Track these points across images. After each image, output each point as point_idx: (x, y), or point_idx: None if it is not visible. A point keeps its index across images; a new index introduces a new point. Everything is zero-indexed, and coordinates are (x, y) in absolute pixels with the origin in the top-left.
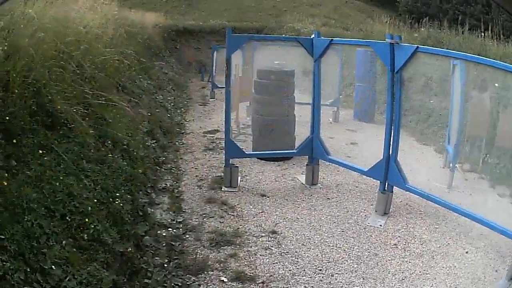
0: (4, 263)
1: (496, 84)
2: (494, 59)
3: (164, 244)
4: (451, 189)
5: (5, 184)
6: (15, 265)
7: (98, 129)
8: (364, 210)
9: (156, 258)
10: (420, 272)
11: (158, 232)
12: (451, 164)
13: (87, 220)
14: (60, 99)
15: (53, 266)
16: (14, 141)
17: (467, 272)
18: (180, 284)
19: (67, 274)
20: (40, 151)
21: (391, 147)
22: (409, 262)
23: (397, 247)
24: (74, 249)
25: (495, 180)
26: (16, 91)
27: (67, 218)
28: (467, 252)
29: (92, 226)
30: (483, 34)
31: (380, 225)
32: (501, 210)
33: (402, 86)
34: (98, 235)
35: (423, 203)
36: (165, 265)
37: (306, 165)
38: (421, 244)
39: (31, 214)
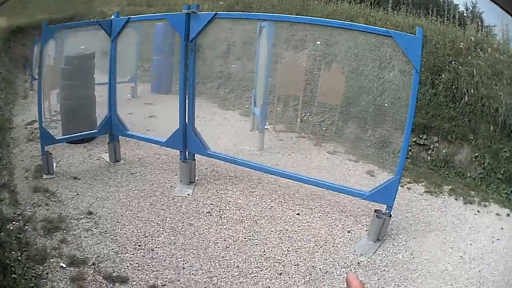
0: None
1: (318, 42)
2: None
3: (14, 238)
4: (264, 151)
5: None
6: None
7: None
8: (169, 181)
9: (13, 252)
10: (244, 238)
11: (8, 226)
12: (260, 126)
13: None
14: None
15: None
16: None
17: (306, 235)
18: (34, 274)
19: None
20: None
21: (186, 115)
22: (229, 229)
23: (211, 214)
24: None
25: (320, 138)
26: None
27: None
28: (298, 214)
29: None
30: None
31: (188, 194)
32: (335, 168)
33: (196, 54)
34: None
35: (232, 168)
36: (19, 258)
37: (108, 143)
38: (238, 209)
39: None
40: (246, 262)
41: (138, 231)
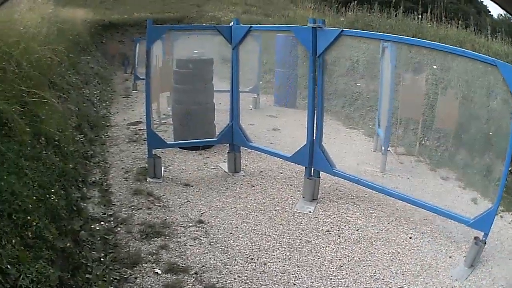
0: None
1: (435, 66)
2: (433, 41)
3: (98, 238)
4: (385, 173)
5: None
6: None
7: (33, 126)
8: (291, 196)
9: (93, 252)
10: (359, 258)
11: (92, 226)
12: (383, 148)
13: (29, 217)
14: (1, 99)
15: (8, 266)
16: None
17: (414, 258)
18: (118, 277)
19: (20, 272)
20: None
21: (315, 132)
22: (346, 248)
23: (330, 233)
24: (22, 247)
25: (435, 163)
26: None
27: (13, 216)
28: (410, 238)
29: (35, 224)
30: (420, 16)
31: (310, 211)
32: (446, 194)
33: (324, 70)
34: (40, 232)
35: (355, 188)
36: (102, 259)
37: (228, 152)
38: (357, 230)
39: None
40: (356, 283)
41: (253, 244)
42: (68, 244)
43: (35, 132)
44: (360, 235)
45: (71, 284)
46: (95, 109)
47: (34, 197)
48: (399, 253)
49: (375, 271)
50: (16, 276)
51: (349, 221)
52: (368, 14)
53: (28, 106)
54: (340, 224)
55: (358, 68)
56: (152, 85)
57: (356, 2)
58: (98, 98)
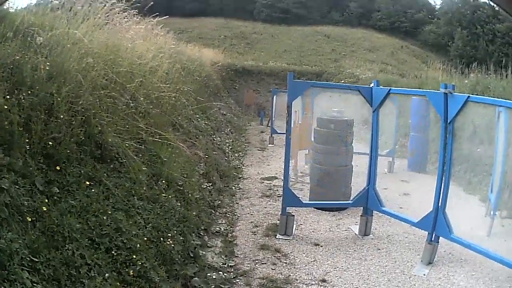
0: (34, 284)
1: None
2: None
3: (212, 287)
4: (490, 236)
5: (44, 209)
6: None
7: (152, 167)
8: (411, 260)
9: None
10: None
11: (208, 274)
12: (491, 212)
13: (134, 256)
14: (111, 131)
15: None
16: (58, 168)
17: None
18: None
19: None
20: (87, 182)
21: (440, 198)
22: None
23: None
24: (118, 283)
25: None
26: (62, 116)
27: (113, 252)
28: None
29: (140, 263)
30: None
31: (424, 274)
32: None
33: (453, 136)
34: (144, 272)
35: (464, 251)
36: None
37: (361, 216)
38: None
39: (73, 243)
40: None
41: None
42: None
43: (153, 173)
44: None
45: None
46: (226, 158)
47: (145, 238)
48: None
49: None
50: None
51: (454, 282)
52: (486, 76)
53: (146, 145)
54: (446, 285)
55: (479, 133)
56: (291, 141)
57: (476, 63)
58: (230, 147)
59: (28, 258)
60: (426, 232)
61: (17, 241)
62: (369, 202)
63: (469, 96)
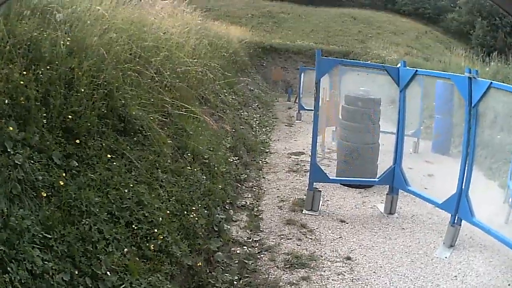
0: (45, 262)
1: None
2: None
3: (236, 262)
4: (508, 224)
5: (61, 183)
6: (60, 266)
7: (177, 140)
8: (434, 241)
9: (226, 274)
10: None
11: (232, 249)
12: (510, 199)
13: (156, 230)
14: (135, 105)
15: (108, 273)
16: (77, 141)
17: None
18: None
19: (123, 281)
20: (109, 155)
21: (464, 181)
22: None
23: (456, 278)
24: (137, 258)
25: None
26: (82, 90)
27: (133, 226)
28: (509, 285)
29: (161, 237)
30: None
31: (445, 257)
32: None
33: (477, 121)
34: (166, 247)
35: (485, 237)
36: (235, 282)
37: (386, 194)
38: (477, 276)
39: (90, 217)
40: None
41: (391, 284)
42: (198, 263)
43: (179, 146)
44: (478, 281)
45: None
46: (253, 133)
47: (168, 211)
48: None
49: None
50: (115, 284)
51: (473, 268)
52: (505, 66)
53: (171, 118)
54: (466, 270)
55: (499, 120)
56: (319, 118)
57: (497, 52)
58: (257, 122)
59: (40, 235)
60: (449, 215)
61: (29, 218)
62: (395, 181)
63: (491, 82)
